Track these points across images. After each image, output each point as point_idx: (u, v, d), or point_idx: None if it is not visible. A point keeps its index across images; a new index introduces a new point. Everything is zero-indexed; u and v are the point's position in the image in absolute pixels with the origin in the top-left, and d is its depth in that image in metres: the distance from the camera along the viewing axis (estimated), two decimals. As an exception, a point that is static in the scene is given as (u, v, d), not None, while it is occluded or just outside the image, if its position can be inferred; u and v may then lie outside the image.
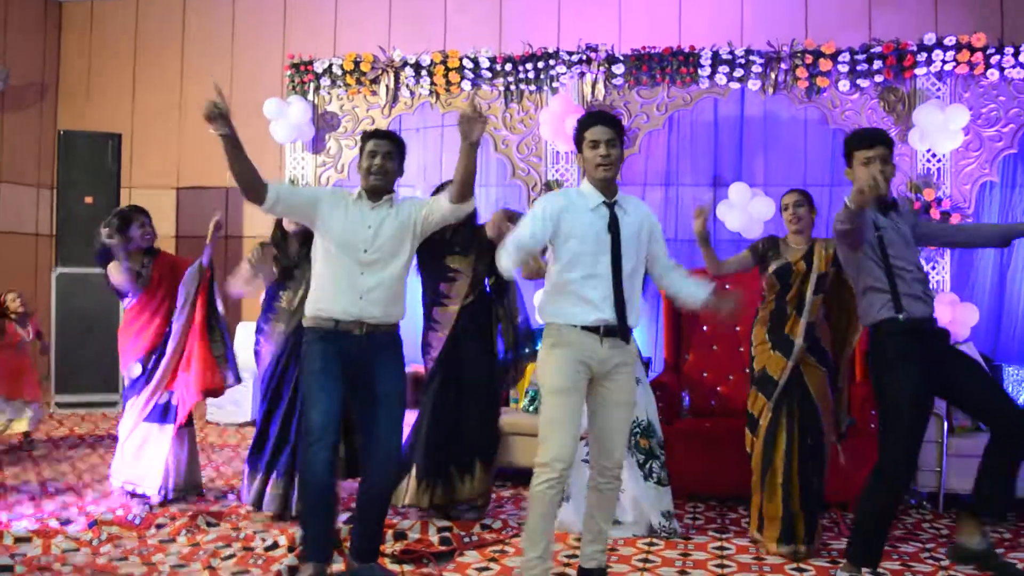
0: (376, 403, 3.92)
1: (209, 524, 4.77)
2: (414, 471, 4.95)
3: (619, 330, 3.68)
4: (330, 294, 3.92)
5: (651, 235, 3.83)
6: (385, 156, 4.00)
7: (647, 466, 4.81)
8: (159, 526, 4.75)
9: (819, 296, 4.63)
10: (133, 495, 5.24)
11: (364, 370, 3.92)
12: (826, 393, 4.60)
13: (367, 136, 4.09)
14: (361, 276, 3.91)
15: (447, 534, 4.58)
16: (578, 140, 3.83)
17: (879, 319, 3.96)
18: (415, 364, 6.85)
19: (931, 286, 6.48)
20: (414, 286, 4.68)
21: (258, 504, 4.90)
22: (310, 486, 3.87)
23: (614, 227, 3.71)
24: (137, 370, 5.27)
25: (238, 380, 5.35)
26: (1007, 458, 3.93)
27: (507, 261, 3.63)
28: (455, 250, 5.08)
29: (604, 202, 3.74)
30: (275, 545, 4.40)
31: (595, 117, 3.81)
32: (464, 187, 3.90)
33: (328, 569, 3.93)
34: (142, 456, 5.23)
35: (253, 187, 3.88)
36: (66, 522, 4.80)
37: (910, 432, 3.86)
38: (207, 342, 5.22)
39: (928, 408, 3.94)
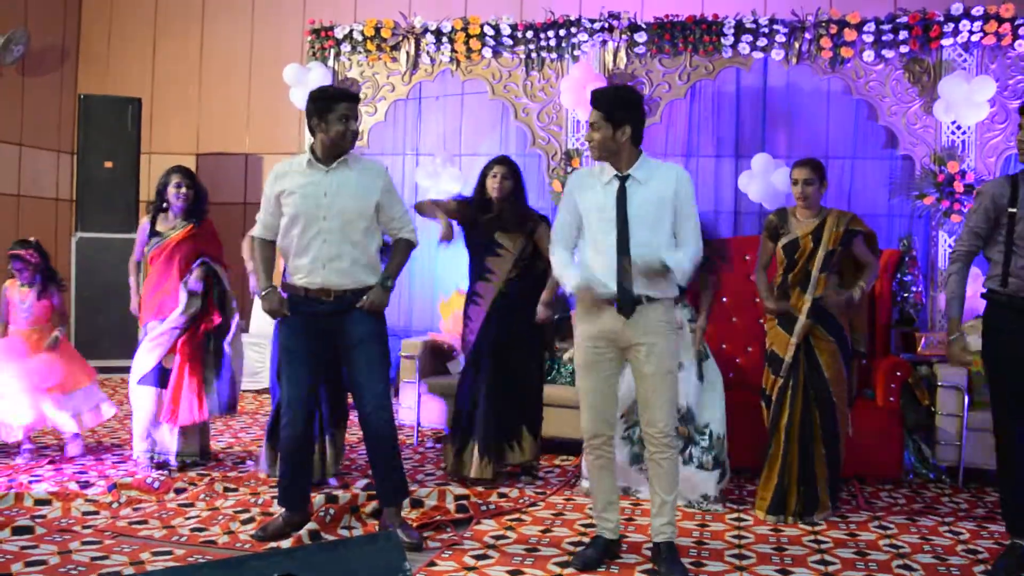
0: (351, 349, 4.08)
1: (227, 490, 4.80)
2: (476, 446, 5.06)
3: (621, 304, 3.69)
4: (296, 263, 4.07)
5: (670, 206, 3.75)
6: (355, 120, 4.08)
7: (686, 451, 4.79)
8: (178, 490, 4.79)
9: (825, 274, 4.59)
10: (157, 464, 5.24)
11: (337, 328, 4.08)
12: (839, 366, 4.58)
13: (336, 97, 4.05)
14: (324, 244, 4.01)
15: (464, 502, 4.60)
16: None
17: (986, 288, 3.93)
18: (432, 332, 6.90)
19: (948, 259, 6.48)
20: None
21: (275, 472, 4.93)
22: (287, 445, 4.14)
23: (621, 200, 3.71)
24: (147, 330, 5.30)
25: (224, 410, 5.35)
26: None
27: (554, 259, 3.88)
28: (504, 227, 5.14)
29: (616, 175, 3.75)
30: None
31: (592, 97, 3.81)
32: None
33: (299, 519, 4.13)
34: (156, 422, 5.23)
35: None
36: (86, 485, 4.85)
37: (1003, 396, 3.86)
38: (199, 363, 5.22)
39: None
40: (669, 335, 3.80)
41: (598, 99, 3.78)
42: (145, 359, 5.22)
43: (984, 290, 3.94)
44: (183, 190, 5.29)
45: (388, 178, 4.19)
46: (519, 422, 5.18)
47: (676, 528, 3.91)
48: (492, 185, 5.12)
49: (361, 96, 7.59)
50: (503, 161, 5.20)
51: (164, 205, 5.34)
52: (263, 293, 4.12)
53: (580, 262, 3.84)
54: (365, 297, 4.04)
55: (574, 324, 3.91)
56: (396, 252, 4.22)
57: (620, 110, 3.73)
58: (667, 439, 3.79)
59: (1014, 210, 3.75)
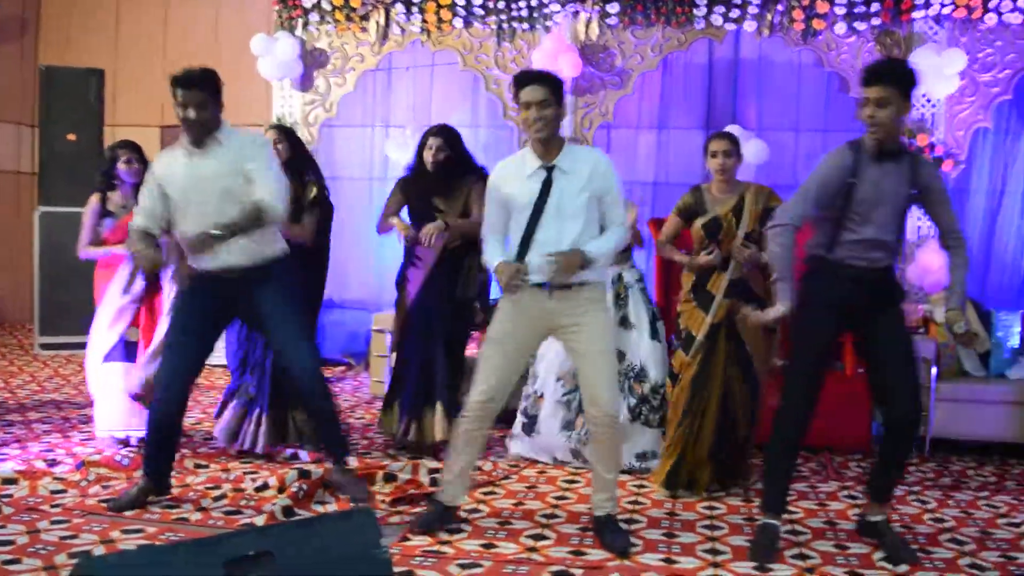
0: (266, 317, 4.16)
1: (197, 466, 4.76)
2: (439, 409, 5.03)
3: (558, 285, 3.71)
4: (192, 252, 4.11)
5: (595, 195, 3.74)
6: (199, 107, 3.97)
7: (637, 409, 4.89)
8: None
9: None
10: (122, 442, 5.15)
11: (244, 302, 4.15)
12: (758, 337, 4.54)
13: (174, 83, 3.98)
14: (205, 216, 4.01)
15: (438, 475, 4.58)
16: (516, 100, 3.78)
17: (809, 255, 3.85)
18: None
19: (917, 231, 6.56)
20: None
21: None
22: (155, 425, 4.17)
23: (544, 192, 3.71)
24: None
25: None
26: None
27: (488, 255, 3.87)
28: (443, 191, 5.08)
29: (541, 166, 3.74)
30: (265, 486, 4.39)
31: (527, 77, 3.77)
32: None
33: (154, 488, 4.18)
34: (121, 398, 5.11)
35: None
36: (53, 463, 4.78)
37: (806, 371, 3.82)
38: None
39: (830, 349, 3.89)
40: (598, 313, 3.81)
41: (541, 77, 3.76)
42: (107, 335, 5.11)
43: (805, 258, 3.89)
44: (134, 165, 5.18)
45: (256, 152, 4.08)
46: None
47: (617, 501, 3.94)
48: (427, 157, 5.07)
49: (330, 66, 7.52)
50: (437, 132, 5.13)
51: (114, 183, 5.22)
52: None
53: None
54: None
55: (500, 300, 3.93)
56: (244, 206, 4.00)
57: (559, 89, 3.75)
58: (609, 418, 3.77)
59: (853, 180, 3.65)
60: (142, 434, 5.00)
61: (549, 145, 3.74)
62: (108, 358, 5.10)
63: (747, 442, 4.63)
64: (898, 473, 4.04)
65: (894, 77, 3.58)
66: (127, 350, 5.10)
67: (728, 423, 4.55)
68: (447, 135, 5.13)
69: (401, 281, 5.25)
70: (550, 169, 3.73)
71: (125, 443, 5.13)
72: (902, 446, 3.83)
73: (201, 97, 3.96)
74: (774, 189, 4.68)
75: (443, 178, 5.08)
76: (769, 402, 4.52)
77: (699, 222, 4.60)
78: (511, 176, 3.82)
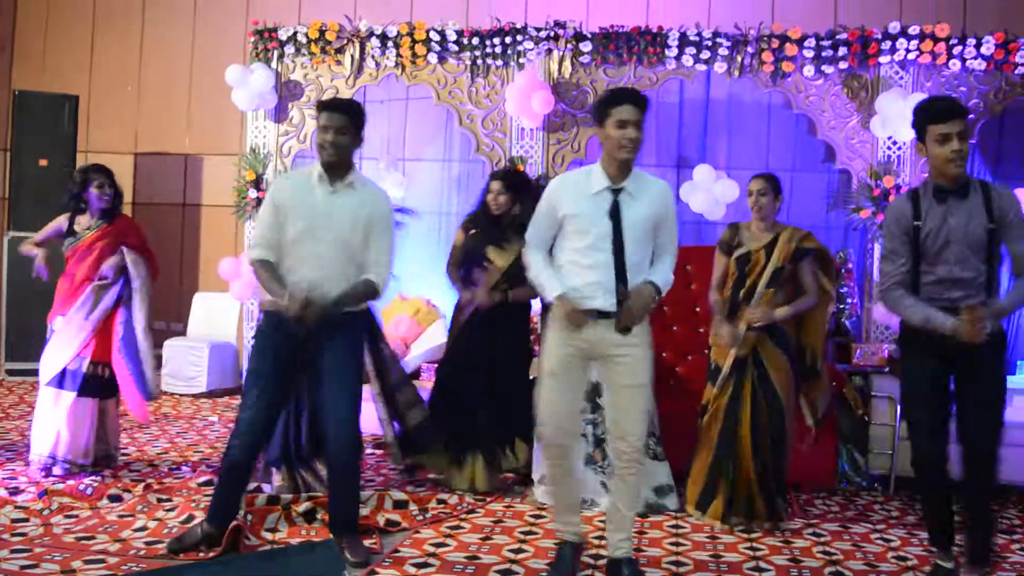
0: (320, 378, 3.99)
1: (160, 500, 4.67)
2: (480, 456, 5.09)
3: (605, 314, 3.65)
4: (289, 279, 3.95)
5: (657, 223, 3.69)
6: (338, 131, 3.95)
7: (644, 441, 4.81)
8: (112, 498, 4.69)
9: (771, 290, 4.66)
10: (45, 467, 5.05)
11: (313, 348, 3.95)
12: (787, 375, 4.65)
13: (320, 107, 4.02)
14: (317, 268, 3.93)
15: (396, 515, 4.52)
16: (601, 115, 3.63)
17: None
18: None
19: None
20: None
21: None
22: (229, 468, 4.01)
23: (615, 215, 3.62)
24: (53, 328, 5.15)
25: (148, 397, 5.22)
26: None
27: (542, 277, 3.74)
28: (497, 242, 5.17)
29: (609, 187, 3.63)
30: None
31: (626, 95, 3.61)
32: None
33: (217, 534, 3.97)
34: (51, 422, 5.06)
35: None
36: (15, 491, 4.73)
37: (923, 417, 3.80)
38: (122, 357, 5.10)
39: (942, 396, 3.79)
40: (645, 347, 3.75)
41: (638, 97, 3.61)
42: (56, 358, 5.07)
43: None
44: (106, 190, 5.18)
45: (386, 208, 4.07)
46: (513, 429, 5.13)
47: (634, 542, 3.89)
48: (491, 201, 5.16)
49: (304, 98, 7.56)
50: (498, 176, 5.25)
51: (82, 207, 5.21)
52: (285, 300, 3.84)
53: (558, 268, 3.74)
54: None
55: (547, 332, 3.80)
56: (356, 285, 3.99)
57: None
58: (637, 454, 3.72)
59: (919, 223, 3.70)
60: (69, 460, 5.03)
61: (626, 168, 3.65)
62: (50, 382, 5.07)
63: (778, 477, 4.65)
64: (987, 526, 3.84)
65: (964, 111, 3.69)
66: (66, 378, 5.06)
67: (760, 452, 4.60)
68: (508, 178, 5.21)
69: (456, 309, 5.34)
70: (617, 191, 3.65)
71: (48, 470, 5.03)
72: (978, 487, 3.75)
73: (344, 122, 3.95)
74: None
75: (500, 227, 5.15)
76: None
77: (734, 255, 4.76)
78: (574, 193, 3.66)
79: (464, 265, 5.28)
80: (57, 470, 5.03)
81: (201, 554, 3.92)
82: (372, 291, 4.00)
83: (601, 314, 3.64)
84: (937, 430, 3.75)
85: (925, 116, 3.74)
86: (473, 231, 5.25)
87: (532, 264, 3.77)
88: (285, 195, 4.00)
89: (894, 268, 3.77)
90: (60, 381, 5.06)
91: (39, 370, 5.15)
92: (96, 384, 5.10)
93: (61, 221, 5.23)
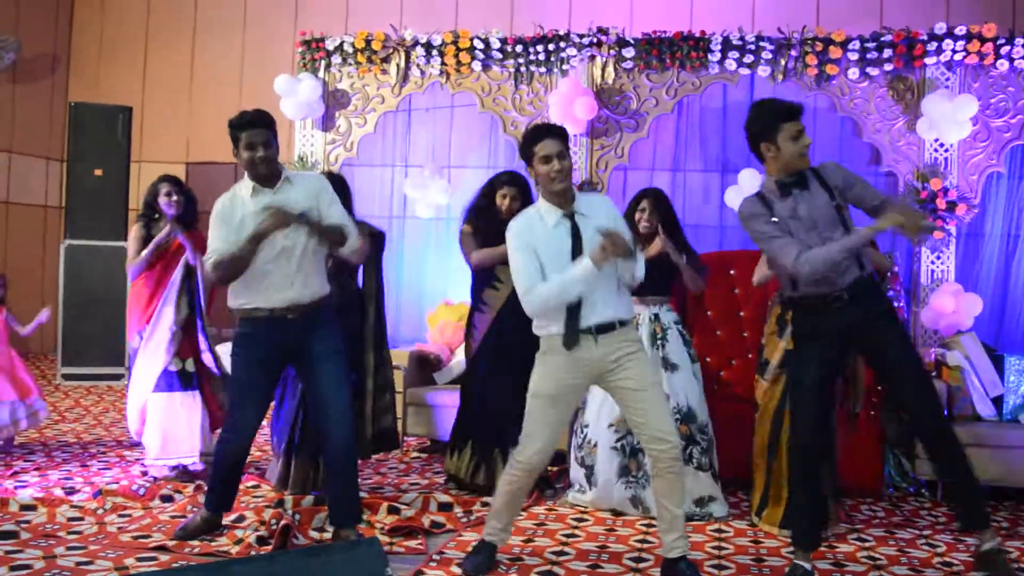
0: (313, 363, 4.16)
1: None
2: (469, 448, 5.14)
3: (604, 328, 3.76)
4: (260, 287, 4.10)
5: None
6: (265, 145, 4.09)
7: (686, 451, 4.76)
8: (164, 498, 4.80)
9: None
10: (178, 469, 5.21)
11: (299, 345, 4.15)
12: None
13: (236, 126, 4.14)
14: (286, 262, 4.08)
15: (441, 517, 4.58)
16: (527, 155, 3.85)
17: (784, 297, 4.01)
18: (419, 343, 6.94)
19: (931, 275, 6.60)
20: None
21: (285, 487, 4.95)
22: (222, 464, 4.27)
23: (576, 237, 3.78)
24: (136, 342, 5.26)
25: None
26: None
27: (547, 291, 3.75)
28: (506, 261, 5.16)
29: (563, 215, 3.82)
30: (242, 518, 4.41)
31: (542, 131, 3.84)
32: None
33: (217, 519, 4.26)
34: (175, 427, 5.18)
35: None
36: (71, 491, 4.86)
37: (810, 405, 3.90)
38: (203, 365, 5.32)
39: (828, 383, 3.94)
40: (640, 350, 3.88)
41: (554, 130, 3.85)
42: (156, 365, 5.19)
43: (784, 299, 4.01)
44: (173, 197, 5.32)
45: (324, 185, 4.27)
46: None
47: (688, 540, 3.92)
48: (502, 205, 5.12)
49: (351, 107, 7.67)
50: (515, 183, 5.17)
51: (155, 216, 5.35)
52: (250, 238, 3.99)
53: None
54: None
55: (537, 359, 3.91)
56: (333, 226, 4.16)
57: (567, 141, 3.88)
58: (676, 449, 3.79)
59: (775, 220, 3.83)
60: (191, 461, 5.18)
61: (567, 195, 3.83)
62: (157, 388, 5.19)
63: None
64: (971, 485, 3.91)
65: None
66: (180, 379, 5.22)
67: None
68: (523, 185, 5.17)
69: (468, 329, 5.32)
70: (571, 216, 3.81)
71: (184, 471, 5.21)
72: (948, 452, 3.85)
73: (266, 136, 4.11)
74: None
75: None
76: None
77: None
78: (540, 232, 3.82)
79: (473, 282, 5.29)
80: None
81: (209, 541, 4.12)
82: (340, 232, 4.15)
83: (599, 328, 3.76)
84: (821, 419, 3.92)
85: (774, 116, 3.93)
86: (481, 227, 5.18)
87: (542, 291, 3.75)
88: (227, 211, 4.15)
89: (786, 242, 3.79)
90: (180, 384, 5.21)
91: (131, 377, 5.28)
92: (192, 378, 5.26)
93: (138, 228, 5.34)
